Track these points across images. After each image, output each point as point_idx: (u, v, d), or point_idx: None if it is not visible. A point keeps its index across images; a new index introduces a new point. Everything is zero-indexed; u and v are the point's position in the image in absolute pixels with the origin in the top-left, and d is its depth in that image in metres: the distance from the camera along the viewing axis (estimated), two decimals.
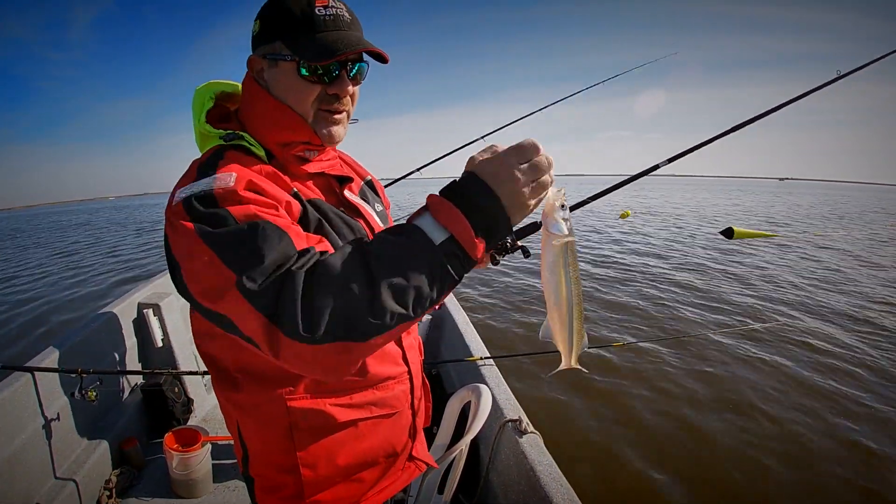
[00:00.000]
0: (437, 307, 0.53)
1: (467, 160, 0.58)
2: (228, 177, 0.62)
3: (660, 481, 2.61)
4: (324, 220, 0.74)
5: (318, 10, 0.68)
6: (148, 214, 33.20)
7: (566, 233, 0.63)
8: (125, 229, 20.71)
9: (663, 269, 7.60)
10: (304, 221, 0.71)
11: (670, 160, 1.20)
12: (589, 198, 1.10)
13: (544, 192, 0.56)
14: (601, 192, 1.22)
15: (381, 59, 0.74)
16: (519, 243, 1.24)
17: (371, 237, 0.86)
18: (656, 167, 1.19)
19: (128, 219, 29.27)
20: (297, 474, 0.80)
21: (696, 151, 1.18)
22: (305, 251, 0.56)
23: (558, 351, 0.71)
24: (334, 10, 0.69)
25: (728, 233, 1.68)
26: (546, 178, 0.55)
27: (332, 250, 0.59)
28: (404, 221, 0.57)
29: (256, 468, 0.84)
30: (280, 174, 0.73)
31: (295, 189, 0.74)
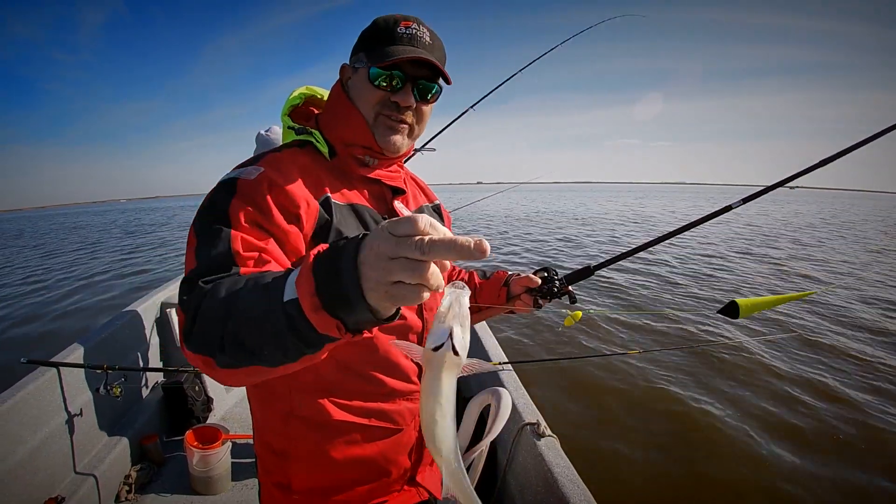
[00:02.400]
0: (302, 360, 0.50)
1: None
2: (256, 170, 0.72)
3: (674, 483, 2.61)
4: (343, 222, 0.78)
5: (400, 29, 0.77)
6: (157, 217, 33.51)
7: (462, 347, 0.43)
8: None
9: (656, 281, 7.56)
10: (320, 220, 0.76)
11: (798, 174, 1.28)
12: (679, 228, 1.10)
13: (414, 271, 0.38)
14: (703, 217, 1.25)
15: (443, 76, 0.80)
16: (569, 287, 1.23)
17: None
18: (787, 180, 1.27)
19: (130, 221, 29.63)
20: (286, 460, 0.83)
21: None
22: (227, 268, 0.61)
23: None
24: (414, 30, 0.77)
25: (731, 310, 1.07)
26: (413, 257, 0.37)
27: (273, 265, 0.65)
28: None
29: (257, 446, 0.88)
30: (322, 173, 0.80)
31: (327, 193, 0.78)
